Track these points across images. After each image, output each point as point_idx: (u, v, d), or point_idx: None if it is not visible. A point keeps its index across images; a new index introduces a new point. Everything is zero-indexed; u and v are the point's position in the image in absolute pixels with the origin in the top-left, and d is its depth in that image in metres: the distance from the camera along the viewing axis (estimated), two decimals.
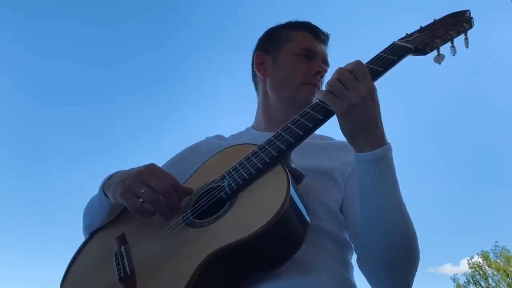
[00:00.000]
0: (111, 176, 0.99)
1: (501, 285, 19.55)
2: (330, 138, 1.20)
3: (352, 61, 0.89)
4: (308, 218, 0.83)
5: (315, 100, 0.99)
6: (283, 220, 0.75)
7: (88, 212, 1.05)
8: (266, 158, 0.87)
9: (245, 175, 0.87)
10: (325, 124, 0.90)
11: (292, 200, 0.78)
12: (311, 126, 0.88)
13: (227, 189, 0.87)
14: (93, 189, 1.06)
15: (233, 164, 0.92)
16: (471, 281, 20.44)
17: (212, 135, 1.28)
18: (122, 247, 0.89)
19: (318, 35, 1.20)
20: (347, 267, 0.97)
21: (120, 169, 1.01)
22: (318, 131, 0.92)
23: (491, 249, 20.53)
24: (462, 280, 20.71)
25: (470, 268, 20.72)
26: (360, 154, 0.86)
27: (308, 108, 0.92)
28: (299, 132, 0.88)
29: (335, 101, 0.84)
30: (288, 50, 1.19)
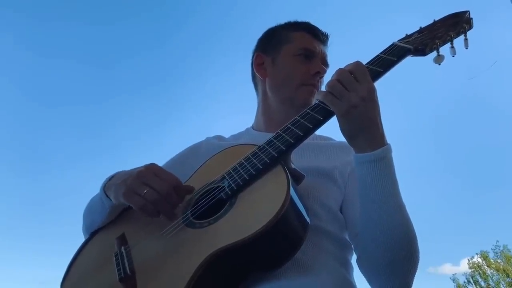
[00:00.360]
0: (112, 177, 0.99)
1: (501, 285, 19.55)
2: (330, 139, 1.20)
3: (351, 61, 0.89)
4: (308, 219, 0.83)
5: (314, 100, 0.99)
6: (283, 220, 0.76)
7: (89, 212, 1.05)
8: (266, 159, 0.87)
9: (245, 175, 0.87)
10: (324, 125, 0.90)
11: (292, 200, 0.79)
12: (311, 126, 0.88)
13: (227, 189, 0.87)
14: (93, 189, 1.06)
15: (233, 164, 0.92)
16: (471, 281, 20.44)
17: (212, 135, 1.28)
18: (122, 247, 0.89)
19: (317, 35, 1.20)
20: (347, 267, 0.97)
21: (120, 169, 1.01)
22: (317, 132, 0.92)
23: (491, 249, 20.54)
24: (462, 280, 20.72)
25: (470, 268, 20.73)
26: (360, 154, 0.86)
27: (308, 109, 0.92)
28: (299, 132, 0.88)
29: (335, 102, 0.84)
30: (287, 51, 1.19)
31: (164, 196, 0.83)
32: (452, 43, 0.90)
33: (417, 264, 0.88)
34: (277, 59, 1.20)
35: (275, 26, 1.27)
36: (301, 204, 0.83)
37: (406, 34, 0.99)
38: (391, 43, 0.96)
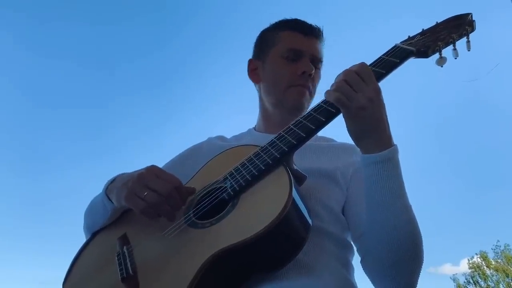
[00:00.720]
0: (114, 179, 0.99)
1: (501, 285, 19.54)
2: (332, 140, 1.20)
3: (355, 63, 0.89)
4: (310, 220, 0.83)
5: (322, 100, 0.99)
6: (285, 221, 0.76)
7: (90, 212, 1.05)
8: (268, 160, 0.87)
9: (247, 176, 0.87)
10: (327, 126, 0.90)
11: (294, 201, 0.79)
12: (313, 128, 0.88)
13: (229, 190, 0.87)
14: (94, 190, 1.06)
15: (235, 165, 0.92)
16: (471, 281, 20.43)
17: (214, 135, 1.28)
18: (124, 247, 0.89)
19: (305, 32, 1.17)
20: (349, 268, 0.97)
21: (121, 170, 1.02)
22: (320, 133, 0.92)
23: (492, 249, 20.51)
24: (462, 280, 20.71)
25: (470, 268, 20.72)
26: (367, 155, 0.86)
27: (311, 110, 0.92)
28: (302, 134, 0.88)
29: (344, 102, 0.84)
30: (274, 53, 1.17)
31: (166, 198, 0.83)
32: (454, 45, 0.90)
33: (422, 265, 0.88)
34: (266, 63, 1.19)
35: (264, 29, 1.26)
36: (303, 205, 0.83)
37: (409, 36, 0.99)
38: (393, 45, 0.96)
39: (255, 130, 1.26)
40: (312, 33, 1.17)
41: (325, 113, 0.89)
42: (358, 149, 0.90)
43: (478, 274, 20.25)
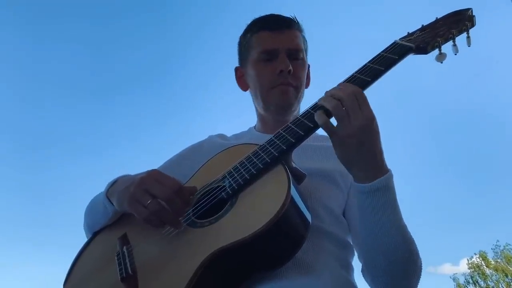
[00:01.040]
0: (115, 182, 0.99)
1: (500, 285, 19.56)
2: None
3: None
4: (309, 218, 0.83)
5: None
6: (284, 219, 0.75)
7: (91, 212, 1.05)
8: (267, 158, 0.87)
9: (246, 175, 0.86)
10: None
11: (293, 199, 0.78)
12: (312, 126, 0.87)
13: (228, 189, 0.87)
14: (95, 188, 1.06)
15: (234, 164, 0.92)
16: (471, 281, 20.46)
17: (215, 133, 1.28)
18: (124, 247, 0.89)
19: (273, 28, 1.13)
20: (348, 268, 0.97)
21: (122, 167, 1.03)
22: (319, 131, 0.91)
23: (491, 249, 20.55)
24: (462, 280, 20.75)
25: (469, 268, 20.75)
26: (357, 184, 0.84)
27: (310, 108, 0.91)
28: (300, 132, 0.88)
29: (331, 128, 0.82)
30: (251, 59, 1.16)
31: (167, 203, 0.82)
32: (454, 41, 0.89)
33: (419, 280, 0.89)
34: (247, 69, 1.19)
35: (241, 34, 1.24)
36: (302, 203, 0.83)
37: (408, 32, 0.99)
38: (392, 41, 0.95)
39: (255, 129, 1.26)
40: (281, 26, 1.14)
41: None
42: None
43: (478, 274, 20.27)
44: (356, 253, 1.01)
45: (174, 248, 0.83)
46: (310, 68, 1.25)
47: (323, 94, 0.88)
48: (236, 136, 1.27)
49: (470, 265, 20.79)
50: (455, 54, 0.90)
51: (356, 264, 1.00)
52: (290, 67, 1.09)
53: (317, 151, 1.10)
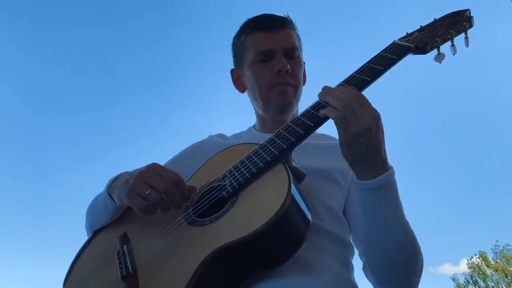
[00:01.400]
0: (116, 178, 1.00)
1: (500, 285, 19.54)
2: (332, 138, 1.19)
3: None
4: (309, 217, 0.84)
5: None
6: (284, 218, 0.76)
7: (92, 211, 1.05)
8: (267, 157, 0.87)
9: (246, 174, 0.87)
10: (326, 123, 0.90)
11: (293, 198, 0.79)
12: (312, 125, 0.88)
13: (228, 188, 0.87)
14: (94, 191, 1.06)
15: (235, 163, 0.92)
16: (471, 281, 20.45)
17: (215, 133, 1.28)
18: (125, 246, 0.89)
19: (268, 28, 1.13)
20: (348, 267, 0.97)
21: (122, 171, 1.02)
22: (319, 130, 0.92)
23: (491, 249, 20.54)
24: (462, 280, 20.74)
25: (469, 268, 20.73)
26: (360, 181, 0.85)
27: (309, 107, 0.92)
28: (300, 131, 0.88)
29: (344, 125, 0.81)
30: (247, 61, 1.15)
31: (165, 194, 0.83)
32: (452, 41, 0.90)
33: (420, 276, 0.89)
34: (244, 71, 1.18)
35: (234, 36, 1.24)
36: (303, 202, 0.83)
37: (407, 33, 1.00)
38: (391, 41, 0.96)
39: (254, 129, 1.27)
40: (275, 26, 1.13)
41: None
42: None
43: (478, 274, 20.26)
44: (356, 251, 1.01)
45: (174, 247, 0.84)
46: (305, 65, 1.24)
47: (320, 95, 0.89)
48: (236, 136, 1.27)
49: (470, 265, 20.78)
50: (454, 55, 0.91)
51: (356, 263, 1.00)
52: (288, 67, 1.09)
53: (316, 150, 1.11)
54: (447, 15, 0.97)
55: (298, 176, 0.89)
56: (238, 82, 1.23)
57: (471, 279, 20.41)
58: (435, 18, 0.99)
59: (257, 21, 1.17)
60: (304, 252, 0.85)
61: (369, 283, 0.95)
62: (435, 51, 0.90)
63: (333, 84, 0.91)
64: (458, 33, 0.91)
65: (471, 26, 0.91)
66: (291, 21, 1.18)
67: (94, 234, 1.02)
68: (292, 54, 1.13)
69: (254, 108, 1.24)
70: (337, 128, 0.82)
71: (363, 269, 0.96)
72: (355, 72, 0.92)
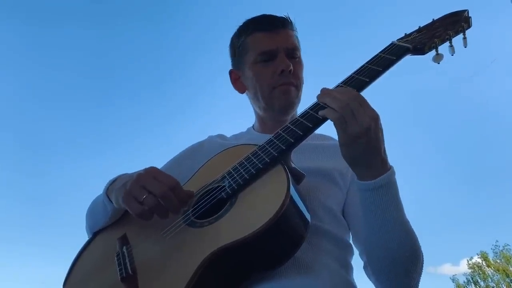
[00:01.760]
0: (114, 180, 1.00)
1: (501, 285, 19.54)
2: (330, 138, 1.19)
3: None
4: (308, 217, 0.84)
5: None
6: (283, 219, 0.76)
7: (92, 213, 1.06)
8: (266, 158, 0.87)
9: (245, 175, 0.87)
10: (326, 123, 0.90)
11: (292, 199, 0.79)
12: (310, 126, 0.88)
13: (227, 189, 0.87)
14: (95, 189, 1.06)
15: (234, 164, 0.93)
16: (471, 281, 20.45)
17: (215, 134, 1.29)
18: (124, 247, 0.89)
19: (269, 28, 1.13)
20: (348, 268, 0.97)
21: (122, 169, 1.02)
22: (318, 130, 0.92)
23: (491, 249, 20.55)
24: (462, 280, 20.74)
25: (469, 268, 20.74)
26: (361, 182, 0.85)
27: (309, 108, 0.92)
28: (299, 132, 0.88)
29: (343, 127, 0.81)
30: (248, 61, 1.15)
31: (162, 199, 0.82)
32: (451, 42, 0.91)
33: (421, 274, 0.90)
34: (244, 71, 1.18)
35: (233, 36, 1.23)
36: (302, 203, 0.83)
37: (405, 34, 1.00)
38: (390, 42, 0.96)
39: (253, 129, 1.27)
40: (276, 27, 1.14)
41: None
42: None
43: (478, 274, 20.27)
44: (356, 251, 1.01)
45: (174, 248, 0.84)
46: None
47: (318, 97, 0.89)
48: (235, 136, 1.28)
49: (470, 265, 20.79)
50: (452, 55, 0.91)
51: (355, 263, 1.01)
52: (291, 67, 1.10)
53: (315, 150, 1.11)
54: (445, 15, 0.98)
55: (297, 177, 0.89)
56: (238, 83, 1.23)
57: (472, 279, 20.41)
58: (433, 19, 1.00)
59: (258, 21, 1.17)
60: (303, 253, 0.85)
61: (369, 283, 0.95)
62: (433, 52, 0.91)
63: (331, 85, 0.91)
64: (457, 33, 0.91)
65: (469, 26, 0.92)
66: (291, 21, 1.18)
67: (94, 235, 1.02)
68: (293, 54, 1.14)
69: (254, 109, 1.24)
70: (336, 129, 0.82)
71: (364, 268, 0.96)
72: (353, 73, 0.92)
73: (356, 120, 0.79)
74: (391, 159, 0.87)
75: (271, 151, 0.88)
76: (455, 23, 0.92)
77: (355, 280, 0.96)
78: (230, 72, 1.25)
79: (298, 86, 1.14)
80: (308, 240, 0.84)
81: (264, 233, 0.74)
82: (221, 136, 1.27)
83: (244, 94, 1.24)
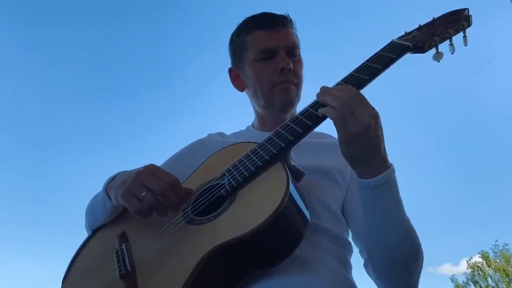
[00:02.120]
0: (113, 177, 1.00)
1: (501, 285, 19.56)
2: (330, 136, 1.20)
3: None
4: (307, 215, 0.84)
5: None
6: (282, 216, 0.76)
7: (91, 210, 1.06)
8: (265, 156, 0.87)
9: (244, 172, 0.87)
10: (325, 122, 0.90)
11: (291, 197, 0.79)
12: (310, 124, 0.88)
13: (227, 186, 0.87)
14: (94, 189, 1.07)
15: (233, 162, 0.93)
16: (471, 281, 20.47)
17: (215, 132, 1.29)
18: (123, 245, 0.89)
19: (270, 26, 1.13)
20: (347, 266, 0.98)
21: (121, 169, 1.02)
22: (318, 128, 0.92)
23: (491, 248, 20.57)
24: (462, 280, 20.76)
25: (469, 268, 20.76)
26: (361, 180, 0.85)
27: (308, 106, 0.92)
28: (299, 130, 0.88)
29: (343, 125, 0.81)
30: (248, 59, 1.15)
31: (161, 196, 0.82)
32: (451, 40, 0.90)
33: (421, 272, 0.90)
34: (244, 69, 1.18)
35: (232, 34, 1.23)
36: (301, 201, 0.83)
37: (405, 32, 1.00)
38: (390, 40, 0.96)
39: (253, 127, 1.27)
40: (276, 25, 1.13)
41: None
42: None
43: (478, 274, 20.29)
44: (356, 249, 1.01)
45: (173, 245, 0.84)
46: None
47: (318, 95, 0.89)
48: (235, 134, 1.28)
49: (470, 265, 20.81)
50: (452, 53, 0.91)
51: (354, 262, 1.01)
52: (291, 65, 1.10)
53: (315, 148, 1.11)
54: (445, 14, 0.97)
55: (296, 174, 0.89)
56: (237, 80, 1.23)
57: (472, 279, 20.43)
58: (433, 17, 0.99)
59: (258, 19, 1.17)
60: (302, 250, 0.85)
61: (368, 281, 0.95)
62: (433, 50, 0.90)
63: (331, 83, 0.91)
64: (457, 32, 0.91)
65: (469, 25, 0.92)
66: (291, 20, 1.18)
67: (93, 232, 1.03)
68: (293, 52, 1.14)
69: (253, 107, 1.24)
70: (336, 127, 0.82)
71: (364, 266, 0.96)
72: (353, 71, 0.92)
73: (356, 119, 0.79)
74: (391, 159, 0.87)
75: (271, 149, 0.88)
76: (455, 22, 0.92)
77: (354, 278, 0.96)
78: (230, 70, 1.25)
79: (298, 84, 1.14)
80: (308, 238, 0.84)
81: (263, 231, 0.74)
82: (221, 134, 1.27)
83: (244, 92, 1.24)
